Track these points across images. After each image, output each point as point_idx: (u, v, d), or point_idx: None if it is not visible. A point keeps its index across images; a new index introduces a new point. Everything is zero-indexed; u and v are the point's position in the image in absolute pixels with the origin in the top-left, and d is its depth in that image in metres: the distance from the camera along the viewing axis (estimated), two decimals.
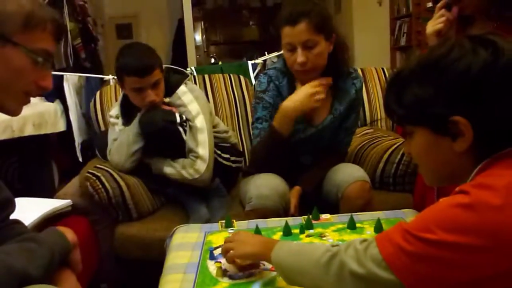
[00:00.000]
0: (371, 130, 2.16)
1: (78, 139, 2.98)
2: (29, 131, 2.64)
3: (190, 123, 1.70)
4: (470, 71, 0.71)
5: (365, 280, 0.71)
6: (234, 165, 1.88)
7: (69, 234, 1.01)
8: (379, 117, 2.28)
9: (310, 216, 1.33)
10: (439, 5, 1.43)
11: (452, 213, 0.67)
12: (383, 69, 2.40)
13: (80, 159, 2.95)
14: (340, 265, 0.75)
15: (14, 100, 0.88)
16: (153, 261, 1.55)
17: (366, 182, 1.53)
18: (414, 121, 0.79)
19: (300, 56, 1.46)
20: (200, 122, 1.70)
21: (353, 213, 1.32)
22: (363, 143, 1.95)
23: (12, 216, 1.07)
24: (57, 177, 3.18)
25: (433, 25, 1.40)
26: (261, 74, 1.65)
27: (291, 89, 1.59)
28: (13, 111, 0.90)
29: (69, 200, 1.61)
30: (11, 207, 1.07)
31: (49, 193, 1.83)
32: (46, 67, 0.89)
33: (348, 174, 1.54)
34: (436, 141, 0.77)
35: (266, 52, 3.26)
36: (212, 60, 7.70)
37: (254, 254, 0.98)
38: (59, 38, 0.93)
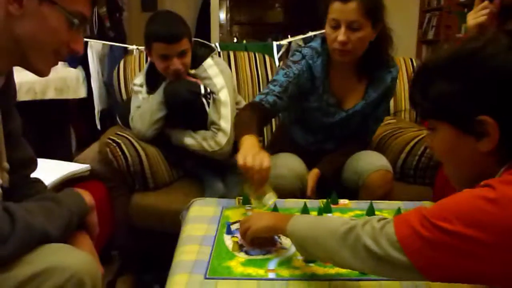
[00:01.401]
0: (394, 120, 2.12)
1: (98, 107, 2.99)
2: (51, 95, 2.66)
3: (214, 96, 1.69)
4: (505, 69, 0.68)
5: (378, 257, 0.72)
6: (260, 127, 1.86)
7: (87, 197, 1.01)
8: (403, 108, 2.24)
9: (329, 199, 1.31)
10: None
11: (474, 206, 0.66)
12: (411, 60, 2.34)
13: (99, 127, 2.97)
14: (355, 238, 0.75)
15: (44, 59, 0.87)
16: (165, 232, 1.57)
17: (389, 172, 1.51)
18: (439, 116, 0.77)
19: (342, 35, 1.42)
20: (224, 95, 1.69)
21: (373, 201, 1.30)
22: (385, 133, 1.92)
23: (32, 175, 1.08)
24: (74, 143, 3.22)
25: (475, 17, 1.35)
26: (295, 50, 1.61)
27: (325, 72, 1.55)
28: (42, 71, 0.89)
29: (87, 165, 1.62)
30: (33, 166, 1.08)
31: (66, 158, 1.84)
32: (80, 30, 0.88)
33: (370, 162, 1.52)
34: (459, 139, 0.75)
35: (289, 35, 3.21)
36: (235, 40, 7.64)
37: (269, 226, 0.99)
38: (95, 3, 0.92)
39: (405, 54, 2.61)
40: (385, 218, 0.76)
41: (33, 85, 2.52)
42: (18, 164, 0.99)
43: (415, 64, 2.31)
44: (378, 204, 1.33)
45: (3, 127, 0.92)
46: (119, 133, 1.73)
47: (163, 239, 1.56)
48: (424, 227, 0.67)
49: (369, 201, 1.30)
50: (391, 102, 2.23)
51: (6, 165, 0.93)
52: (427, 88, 0.77)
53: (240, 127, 1.38)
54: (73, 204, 0.94)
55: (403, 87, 2.25)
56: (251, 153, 1.17)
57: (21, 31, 0.82)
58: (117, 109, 2.09)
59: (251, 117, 1.40)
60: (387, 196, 1.48)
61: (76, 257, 0.80)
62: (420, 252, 0.68)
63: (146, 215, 1.70)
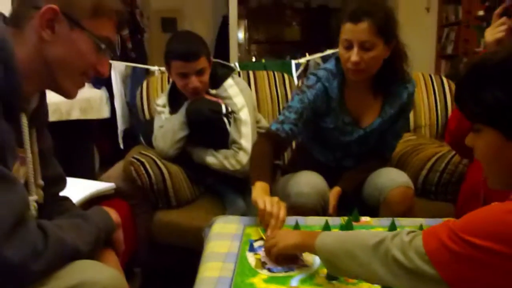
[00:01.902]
0: (414, 136, 2.12)
1: (121, 126, 3.05)
2: (75, 115, 2.74)
3: (235, 115, 1.72)
4: None
5: (407, 270, 0.73)
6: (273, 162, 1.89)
7: (114, 214, 1.04)
8: (423, 124, 2.23)
9: (351, 217, 1.32)
10: (497, 11, 1.38)
11: (502, 220, 0.66)
12: (430, 75, 2.34)
13: (122, 146, 3.02)
14: (385, 251, 0.77)
15: (72, 81, 0.91)
16: (187, 249, 1.60)
17: (410, 188, 1.50)
18: (487, 121, 0.78)
19: (354, 55, 1.43)
20: (244, 114, 1.72)
21: (394, 218, 1.30)
22: (406, 149, 1.91)
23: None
24: (97, 162, 3.28)
25: (493, 33, 1.35)
26: (310, 74, 1.63)
27: (341, 92, 1.57)
28: (70, 93, 0.93)
29: (112, 183, 1.66)
30: (63, 184, 1.11)
31: (89, 177, 1.88)
32: (106, 54, 0.93)
33: (391, 179, 1.51)
34: (504, 146, 0.76)
35: (307, 53, 3.24)
36: (253, 59, 7.73)
37: (297, 243, 0.99)
38: (121, 28, 0.96)
39: (423, 69, 2.61)
40: (414, 231, 0.77)
41: (59, 105, 2.60)
42: (49, 182, 1.03)
43: (433, 79, 2.31)
44: (400, 221, 1.32)
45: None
46: (143, 152, 1.78)
47: (184, 256, 1.59)
48: (452, 241, 0.68)
49: (390, 218, 1.30)
50: (411, 118, 2.23)
51: (41, 182, 0.97)
52: (479, 91, 0.77)
53: (254, 165, 1.43)
54: (101, 221, 0.97)
55: (422, 102, 2.25)
56: (270, 199, 1.22)
57: (52, 55, 0.86)
58: (140, 128, 2.14)
59: (267, 153, 1.44)
60: (408, 212, 1.47)
61: (105, 273, 0.83)
62: (448, 265, 0.68)
63: (168, 232, 1.73)
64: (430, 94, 2.26)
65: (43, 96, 1.00)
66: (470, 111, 0.80)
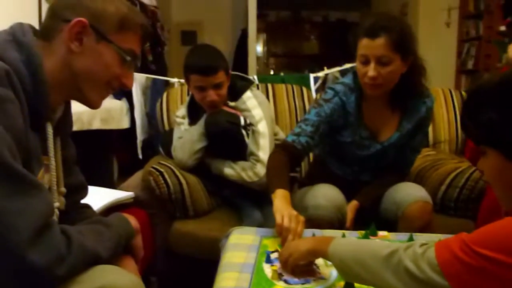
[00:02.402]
0: (434, 152, 2.10)
1: (140, 136, 3.10)
2: (96, 125, 2.79)
3: (253, 127, 1.74)
4: None
5: (419, 281, 0.74)
6: (290, 174, 1.89)
7: (133, 221, 1.05)
8: (442, 139, 2.21)
9: (368, 231, 1.31)
10: None
11: None
12: (450, 90, 2.33)
13: (140, 156, 3.06)
14: (398, 261, 0.78)
15: (97, 91, 0.94)
16: (203, 259, 1.60)
17: (428, 203, 1.49)
18: (488, 142, 0.80)
19: (371, 71, 1.44)
20: (262, 127, 1.73)
21: (413, 233, 1.29)
22: (425, 164, 1.90)
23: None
24: (116, 171, 3.33)
25: None
26: (327, 88, 1.64)
27: (358, 106, 1.58)
28: (94, 103, 0.96)
29: (131, 193, 1.68)
30: (84, 192, 1.14)
31: (108, 186, 1.91)
32: (131, 66, 0.96)
33: (409, 194, 1.51)
34: (507, 166, 0.77)
35: (325, 67, 3.25)
36: (271, 72, 7.78)
37: (310, 250, 1.00)
38: (145, 42, 0.99)
39: (443, 84, 2.60)
40: (425, 244, 0.78)
41: (81, 115, 2.65)
42: (71, 190, 1.05)
43: (454, 94, 2.29)
44: (418, 236, 1.31)
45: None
46: (162, 162, 1.80)
47: (201, 266, 1.59)
48: (465, 253, 0.69)
49: (408, 233, 1.29)
50: (430, 133, 2.22)
51: (63, 189, 1.00)
52: (477, 113, 0.79)
53: (272, 174, 1.43)
54: (121, 228, 0.99)
55: (442, 117, 2.23)
56: (288, 214, 1.22)
57: (79, 66, 0.89)
58: (159, 139, 2.17)
59: (283, 163, 1.45)
60: (426, 228, 1.46)
61: (125, 278, 0.84)
62: (460, 277, 0.69)
63: (185, 242, 1.74)
64: (449, 110, 2.24)
65: (68, 106, 1.03)
66: (472, 134, 0.83)
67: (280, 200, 1.28)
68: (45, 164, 0.92)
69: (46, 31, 0.90)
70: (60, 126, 0.98)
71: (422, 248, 0.76)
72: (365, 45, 1.45)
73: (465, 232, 0.75)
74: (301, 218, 1.23)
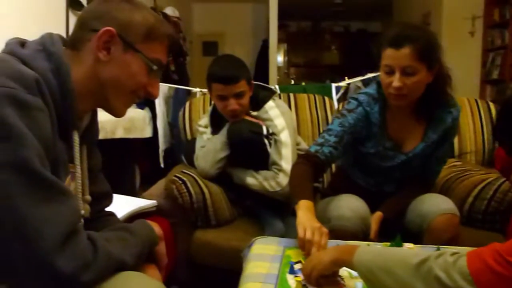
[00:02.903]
0: (460, 162, 2.05)
1: (162, 146, 3.13)
2: (119, 134, 2.82)
3: (275, 137, 1.73)
4: None
5: None
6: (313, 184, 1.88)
7: (156, 228, 1.05)
8: (468, 150, 2.16)
9: (393, 242, 1.28)
10: None
11: None
12: (476, 101, 2.28)
13: (162, 165, 3.09)
14: (428, 270, 0.77)
15: (122, 99, 0.95)
16: (224, 269, 1.59)
17: (455, 216, 1.45)
18: None
19: (396, 81, 1.41)
20: (285, 136, 1.73)
21: (440, 246, 1.26)
22: (451, 175, 1.86)
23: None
24: (138, 180, 3.36)
25: None
26: (350, 98, 1.63)
27: (382, 117, 1.56)
28: (119, 111, 0.97)
29: (154, 201, 1.69)
30: (109, 200, 1.15)
31: (131, 194, 1.93)
32: (157, 76, 0.97)
33: (435, 205, 1.47)
34: None
35: (346, 77, 3.24)
36: (292, 82, 7.79)
37: (334, 259, 0.98)
38: (171, 52, 1.00)
39: (468, 94, 2.55)
40: (457, 253, 0.77)
41: (105, 124, 2.69)
42: (96, 198, 1.06)
43: (479, 104, 2.25)
44: (442, 250, 1.28)
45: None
46: (185, 171, 1.81)
47: (222, 276, 1.59)
48: (497, 262, 0.68)
49: (435, 246, 1.26)
50: (456, 144, 2.17)
51: (88, 197, 1.01)
52: (509, 126, 0.79)
53: (295, 185, 1.42)
54: (145, 234, 0.99)
55: (467, 128, 2.19)
56: (311, 226, 1.20)
57: (107, 75, 0.91)
58: (182, 148, 2.18)
59: (306, 173, 1.43)
60: (453, 241, 1.42)
61: (150, 285, 0.84)
62: (491, 286, 0.69)
63: (207, 251, 1.74)
64: (476, 120, 2.20)
65: (94, 115, 1.05)
66: (507, 146, 0.81)
67: (303, 211, 1.27)
68: (71, 172, 0.93)
69: (75, 41, 0.92)
70: (86, 135, 1.00)
71: (453, 257, 0.75)
72: (389, 55, 1.42)
73: (497, 243, 0.73)
74: (325, 230, 1.21)
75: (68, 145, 0.91)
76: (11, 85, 0.72)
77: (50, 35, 0.90)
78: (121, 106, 0.96)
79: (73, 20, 2.86)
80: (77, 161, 0.94)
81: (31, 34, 0.97)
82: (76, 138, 0.93)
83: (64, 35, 0.95)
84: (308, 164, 1.47)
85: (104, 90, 0.92)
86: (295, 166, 1.51)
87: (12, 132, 0.71)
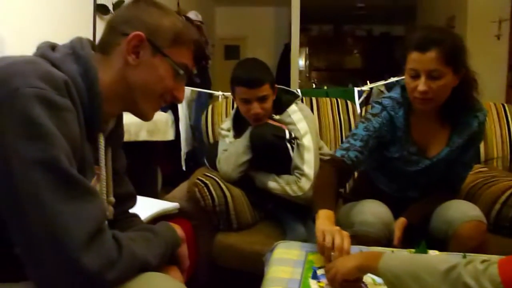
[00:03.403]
0: (486, 168, 2.01)
1: (184, 148, 3.15)
2: (143, 136, 2.85)
3: (298, 141, 1.73)
4: None
5: None
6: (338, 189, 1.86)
7: (179, 230, 1.06)
8: (495, 156, 2.12)
9: (418, 249, 1.26)
10: None
11: None
12: (503, 105, 2.23)
13: (184, 168, 3.11)
14: (457, 277, 0.75)
15: (150, 103, 0.97)
16: (246, 272, 1.59)
17: (482, 223, 1.42)
18: None
19: (422, 85, 1.39)
20: (307, 141, 1.72)
21: (466, 253, 1.23)
22: (476, 181, 1.82)
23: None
24: (160, 182, 3.39)
25: None
26: (374, 102, 1.61)
27: (407, 121, 1.54)
28: (147, 115, 0.98)
29: (177, 203, 1.71)
30: (133, 202, 1.16)
31: (152, 196, 1.95)
32: (183, 80, 0.98)
33: (462, 212, 1.44)
34: None
35: (368, 81, 3.21)
36: (313, 85, 7.76)
37: (359, 265, 0.97)
38: (196, 56, 1.01)
39: (493, 99, 2.49)
40: (487, 261, 0.75)
41: (129, 127, 2.72)
42: (120, 199, 1.08)
43: (507, 109, 2.20)
44: (472, 257, 1.25)
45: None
46: (207, 174, 1.82)
47: (243, 279, 1.58)
48: None
49: (461, 253, 1.23)
50: (482, 150, 2.13)
51: (112, 199, 1.02)
52: None
53: (318, 192, 1.40)
54: (168, 236, 1.00)
55: (494, 133, 2.14)
56: (330, 230, 1.16)
57: (135, 78, 0.92)
58: (203, 151, 2.19)
59: (331, 179, 1.41)
60: (480, 248, 1.39)
61: (172, 286, 0.85)
62: None
63: (228, 255, 1.74)
64: (503, 125, 2.15)
65: (120, 118, 1.06)
66: None
67: (322, 220, 1.24)
68: (96, 173, 0.95)
69: (104, 45, 0.94)
70: (112, 137, 1.01)
71: (483, 265, 0.74)
72: (415, 59, 1.40)
73: None
74: (345, 233, 1.18)
75: (94, 147, 0.92)
76: (41, 86, 0.74)
77: (79, 39, 0.92)
78: (149, 110, 0.98)
79: (99, 24, 2.92)
80: (102, 162, 0.96)
81: (60, 38, 0.99)
82: (101, 140, 0.94)
83: (91, 38, 0.97)
84: (334, 169, 1.45)
85: (133, 94, 0.93)
86: (320, 172, 1.50)
87: (42, 131, 0.72)
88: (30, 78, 0.74)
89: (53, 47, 0.90)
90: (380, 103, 1.57)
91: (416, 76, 1.42)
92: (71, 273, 0.73)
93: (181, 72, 0.95)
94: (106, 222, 0.91)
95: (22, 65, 0.77)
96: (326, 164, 1.50)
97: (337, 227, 1.20)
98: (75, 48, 0.89)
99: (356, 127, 1.56)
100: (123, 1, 3.12)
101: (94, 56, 0.90)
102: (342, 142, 2.20)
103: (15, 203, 0.71)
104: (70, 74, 0.83)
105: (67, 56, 0.87)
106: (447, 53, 1.37)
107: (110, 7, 3.16)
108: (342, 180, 1.49)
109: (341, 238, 1.14)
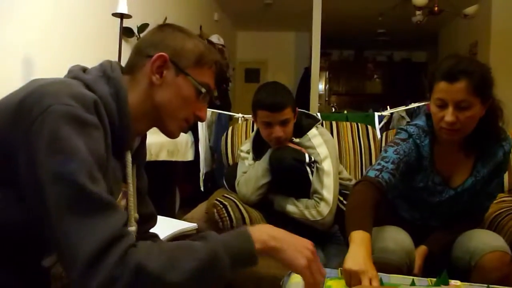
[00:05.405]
0: (510, 198, 1.96)
1: (203, 169, 3.17)
2: (163, 156, 2.89)
3: (318, 165, 1.73)
4: None
5: None
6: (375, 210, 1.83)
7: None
8: None
9: (439, 279, 1.23)
10: None
11: None
12: None
13: (202, 189, 3.13)
14: None
15: (175, 121, 0.99)
16: None
17: (507, 254, 1.38)
18: None
19: (450, 115, 1.37)
20: (327, 165, 1.72)
21: (490, 285, 1.20)
22: (500, 211, 1.78)
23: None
24: (178, 202, 3.41)
25: None
26: (399, 129, 1.60)
27: (431, 150, 1.52)
28: (173, 133, 1.01)
29: (195, 224, 1.72)
30: (154, 222, 1.17)
31: (170, 216, 1.95)
32: (205, 99, 1.00)
33: (485, 242, 1.41)
34: None
35: (388, 106, 3.20)
36: (333, 110, 7.76)
37: None
38: (218, 78, 1.04)
39: None
40: None
41: (149, 147, 2.76)
42: (142, 219, 1.08)
43: None
44: None
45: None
46: (226, 195, 1.82)
47: None
48: None
49: (484, 285, 1.20)
50: (506, 179, 2.09)
51: (136, 216, 1.03)
52: None
53: (351, 210, 1.33)
54: (227, 241, 0.88)
55: None
56: (357, 274, 1.09)
57: (160, 98, 0.95)
58: (222, 172, 2.21)
59: (367, 198, 1.35)
60: (504, 280, 1.35)
61: None
62: None
63: (245, 277, 1.72)
64: None
65: (143, 138, 1.09)
66: None
67: (357, 246, 1.17)
68: (123, 190, 0.97)
69: (131, 67, 0.97)
70: (136, 156, 1.03)
71: None
72: (443, 88, 1.38)
73: None
74: (373, 274, 1.10)
75: (122, 164, 0.94)
76: (70, 103, 0.77)
77: (109, 62, 0.96)
78: (175, 128, 1.00)
79: (125, 46, 3.00)
80: (130, 179, 0.98)
81: (88, 59, 1.03)
82: (129, 157, 0.97)
83: (116, 60, 1.01)
84: (371, 188, 1.38)
85: (159, 113, 0.96)
86: (354, 190, 1.42)
87: (64, 146, 0.73)
88: (62, 97, 0.77)
89: (84, 69, 0.94)
90: (405, 130, 1.55)
91: (443, 105, 1.39)
92: None
93: (203, 90, 0.98)
94: (125, 232, 0.85)
95: (56, 85, 0.80)
96: (361, 184, 1.43)
97: (367, 266, 1.12)
98: (106, 71, 0.92)
99: (385, 151, 1.51)
100: (148, 25, 3.21)
101: (122, 78, 0.93)
102: (361, 166, 2.19)
103: (46, 217, 0.72)
104: (101, 94, 0.86)
105: (99, 78, 0.91)
106: (476, 84, 1.35)
107: (135, 30, 3.26)
108: (378, 203, 1.39)
109: (368, 280, 1.09)
